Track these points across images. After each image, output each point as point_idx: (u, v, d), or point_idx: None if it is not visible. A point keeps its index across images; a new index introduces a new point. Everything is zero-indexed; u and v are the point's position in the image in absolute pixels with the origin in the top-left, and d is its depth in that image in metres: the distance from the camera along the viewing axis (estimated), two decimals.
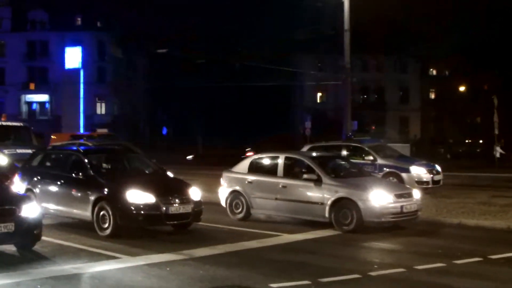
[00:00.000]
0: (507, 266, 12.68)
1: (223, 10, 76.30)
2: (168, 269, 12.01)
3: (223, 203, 19.31)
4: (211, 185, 23.67)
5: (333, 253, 13.92)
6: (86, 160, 16.68)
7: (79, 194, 16.25)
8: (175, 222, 15.85)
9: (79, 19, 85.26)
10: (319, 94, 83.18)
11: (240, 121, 71.11)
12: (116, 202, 15.23)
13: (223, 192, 19.34)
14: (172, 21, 68.16)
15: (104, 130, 38.51)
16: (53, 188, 17.12)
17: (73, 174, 16.62)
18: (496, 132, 42.66)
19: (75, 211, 16.36)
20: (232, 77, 59.66)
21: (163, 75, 71.08)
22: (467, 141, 72.25)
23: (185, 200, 15.82)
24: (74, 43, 79.60)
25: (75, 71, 79.15)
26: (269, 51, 60.29)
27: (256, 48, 61.92)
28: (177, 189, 16.26)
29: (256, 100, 70.52)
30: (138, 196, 15.21)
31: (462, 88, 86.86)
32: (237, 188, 18.85)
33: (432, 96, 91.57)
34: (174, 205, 15.52)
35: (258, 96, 68.54)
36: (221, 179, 19.69)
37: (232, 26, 71.29)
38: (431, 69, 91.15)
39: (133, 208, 15.09)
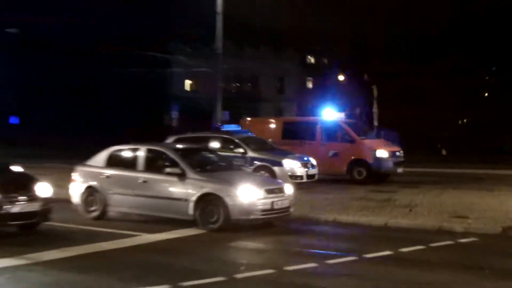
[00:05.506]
0: (382, 264, 12.83)
1: None
2: (8, 276, 11.49)
3: (75, 201, 18.82)
4: (66, 180, 23.07)
5: (197, 254, 13.79)
6: None
7: None
8: (20, 222, 15.34)
9: None
10: (188, 82, 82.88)
11: (107, 111, 69.90)
12: None
13: (76, 188, 18.83)
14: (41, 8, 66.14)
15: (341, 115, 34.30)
16: None
17: None
18: (376, 123, 43.64)
19: None
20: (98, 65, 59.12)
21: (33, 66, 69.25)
22: None
23: (32, 197, 15.36)
24: None
25: None
26: (140, 38, 60.15)
27: (125, 35, 61.46)
28: (23, 185, 15.71)
29: (125, 88, 69.61)
30: None
31: (341, 78, 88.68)
32: (92, 183, 18.43)
33: (310, 85, 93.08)
34: (19, 203, 15.02)
35: (127, 84, 67.69)
36: (74, 174, 19.15)
37: (98, 14, 70.09)
38: (309, 58, 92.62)
39: None
